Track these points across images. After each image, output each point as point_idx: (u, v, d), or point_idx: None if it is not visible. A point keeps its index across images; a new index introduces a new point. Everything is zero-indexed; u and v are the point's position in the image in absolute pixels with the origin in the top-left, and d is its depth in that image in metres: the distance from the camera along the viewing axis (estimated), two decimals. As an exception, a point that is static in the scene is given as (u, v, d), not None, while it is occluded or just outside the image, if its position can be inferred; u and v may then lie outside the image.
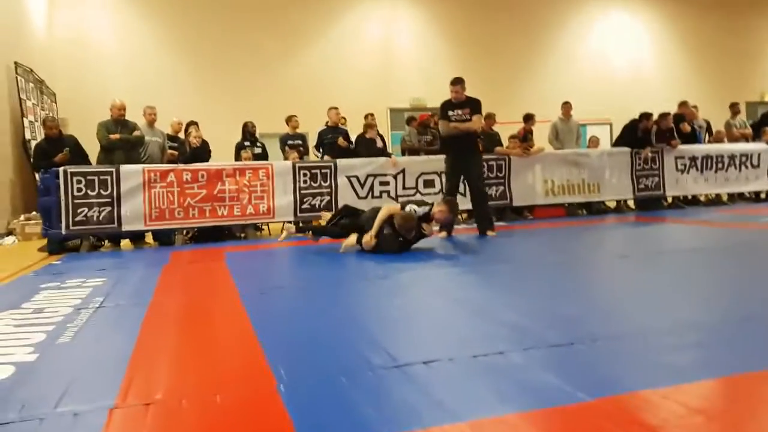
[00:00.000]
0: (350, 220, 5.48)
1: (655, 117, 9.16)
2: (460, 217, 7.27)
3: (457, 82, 6.45)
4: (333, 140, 8.35)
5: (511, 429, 1.60)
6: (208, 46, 12.85)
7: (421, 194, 7.79)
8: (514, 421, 1.64)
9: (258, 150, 8.49)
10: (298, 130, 8.95)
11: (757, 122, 11.07)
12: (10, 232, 8.37)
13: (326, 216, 6.12)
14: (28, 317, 3.20)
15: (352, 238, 5.33)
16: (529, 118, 9.40)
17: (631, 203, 9.55)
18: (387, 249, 5.13)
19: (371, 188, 7.75)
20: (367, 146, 8.28)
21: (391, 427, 1.62)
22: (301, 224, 5.48)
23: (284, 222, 8.08)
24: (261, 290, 3.82)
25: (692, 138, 9.81)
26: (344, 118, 9.17)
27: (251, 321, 2.94)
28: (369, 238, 5.13)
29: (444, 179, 7.95)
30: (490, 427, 1.61)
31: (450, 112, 6.48)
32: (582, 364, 2.13)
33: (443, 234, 6.41)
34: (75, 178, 6.48)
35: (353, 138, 8.59)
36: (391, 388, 1.94)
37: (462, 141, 6.48)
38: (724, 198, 10.24)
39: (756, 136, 10.53)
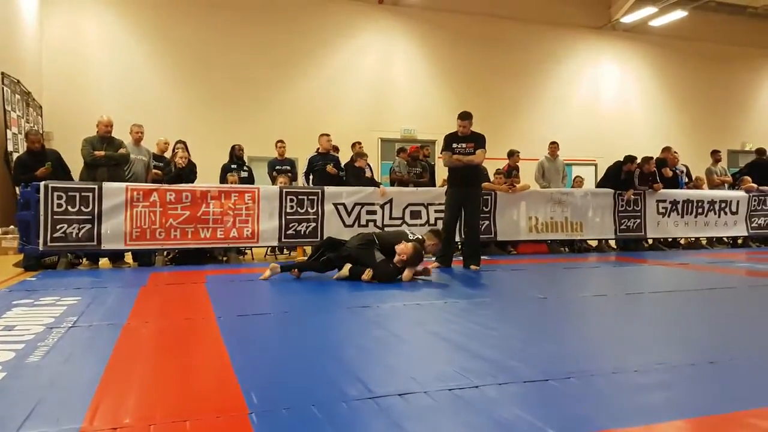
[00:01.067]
0: (334, 254, 5.45)
1: (639, 160, 9.35)
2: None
3: (466, 116, 6.58)
4: (323, 167, 8.38)
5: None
6: (200, 67, 12.95)
7: (408, 225, 7.82)
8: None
9: (244, 174, 8.50)
10: (288, 156, 8.98)
11: (739, 171, 11.32)
12: (-14, 246, 8.21)
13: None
14: (-3, 334, 3.13)
15: (345, 269, 5.35)
16: (512, 154, 9.59)
17: (612, 243, 9.67)
18: (386, 276, 5.21)
19: (358, 217, 7.76)
20: (356, 175, 8.32)
21: (362, 461, 1.60)
22: (281, 264, 5.48)
23: (267, 254, 8.09)
24: (239, 315, 3.77)
25: (674, 183, 10.00)
26: (336, 147, 9.22)
27: (226, 346, 2.91)
28: (368, 275, 5.21)
29: (429, 211, 8.07)
30: (461, 464, 1.60)
31: (454, 145, 6.60)
32: (555, 400, 2.13)
33: (436, 265, 6.51)
34: (56, 194, 6.41)
35: (343, 166, 8.64)
36: (364, 421, 1.92)
37: (464, 174, 6.59)
38: (704, 242, 10.41)
39: (735, 184, 10.78)
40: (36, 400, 2.07)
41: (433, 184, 9.51)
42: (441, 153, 6.80)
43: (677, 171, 10.33)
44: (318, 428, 1.84)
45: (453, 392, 2.18)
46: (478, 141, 6.58)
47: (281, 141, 8.91)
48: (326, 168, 8.30)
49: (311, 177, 8.52)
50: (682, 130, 16.99)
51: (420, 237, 5.61)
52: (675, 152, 10.58)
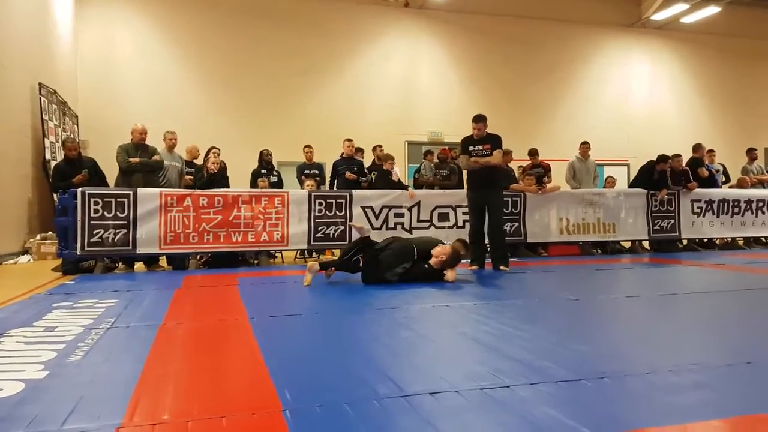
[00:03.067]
0: (368, 254, 5.46)
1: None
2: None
3: (479, 119, 6.60)
4: (345, 171, 8.46)
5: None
6: (230, 74, 13.18)
7: (436, 227, 7.83)
8: (517, 455, 1.63)
9: (274, 179, 8.61)
10: (316, 160, 9.07)
11: None
12: (26, 251, 8.49)
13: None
14: (39, 335, 3.24)
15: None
16: (533, 153, 9.48)
17: (646, 244, 9.49)
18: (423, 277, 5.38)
19: (386, 219, 7.78)
20: (383, 177, 8.35)
21: (394, 457, 1.61)
22: (320, 257, 5.47)
23: (296, 257, 8.15)
24: (271, 316, 3.83)
25: (710, 183, 9.78)
26: (362, 150, 9.27)
27: (259, 346, 2.96)
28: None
29: (457, 213, 8.05)
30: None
31: (471, 148, 6.61)
32: (588, 400, 2.11)
33: (475, 267, 6.58)
34: (92, 200, 6.59)
35: (368, 168, 8.69)
36: (396, 418, 1.93)
37: (482, 176, 6.59)
38: (740, 242, 10.13)
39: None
40: (78, 398, 2.14)
41: (462, 186, 9.46)
42: (459, 157, 6.80)
43: (713, 170, 10.09)
44: (351, 425, 1.87)
45: (484, 392, 2.18)
46: (494, 142, 6.57)
47: (309, 146, 9.01)
48: (345, 174, 8.37)
49: (335, 181, 8.61)
50: (716, 128, 16.58)
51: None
52: (711, 150, 10.35)
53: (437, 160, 9.39)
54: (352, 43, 14.10)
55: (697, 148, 10.08)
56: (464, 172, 7.61)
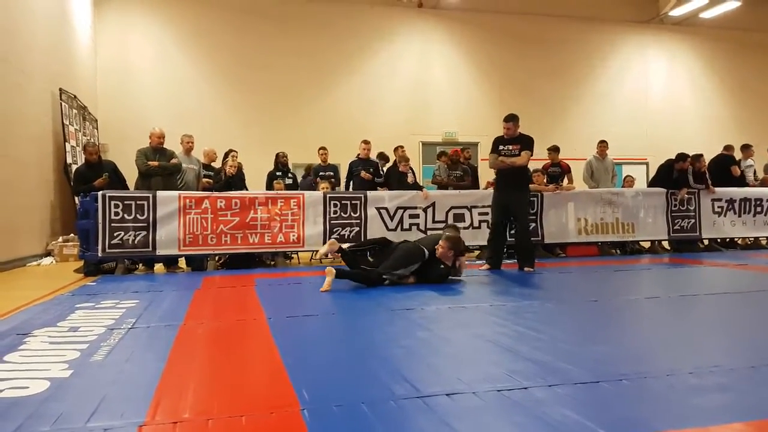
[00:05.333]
0: (378, 258, 5.46)
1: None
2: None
3: (510, 119, 6.55)
4: (361, 171, 8.48)
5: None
6: (245, 78, 13.29)
7: (451, 228, 7.81)
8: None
9: (289, 181, 8.66)
10: (331, 162, 9.11)
11: None
12: (48, 253, 8.64)
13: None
14: (63, 335, 3.31)
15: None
16: (555, 150, 9.36)
17: (666, 244, 9.37)
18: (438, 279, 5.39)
19: (401, 220, 7.79)
20: (399, 179, 8.36)
21: (412, 457, 1.62)
22: (336, 268, 5.35)
23: (312, 258, 8.16)
24: (288, 317, 3.86)
25: (742, 181, 9.62)
26: (384, 154, 9.29)
27: (277, 346, 2.99)
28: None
29: (472, 214, 8.03)
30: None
31: (501, 147, 6.58)
32: (606, 402, 2.11)
33: (486, 267, 6.60)
34: (113, 202, 6.68)
35: (385, 170, 8.70)
36: (413, 419, 1.95)
37: (509, 177, 6.58)
38: (763, 242, 9.96)
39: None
40: (101, 396, 2.19)
41: (477, 187, 9.44)
42: (489, 155, 6.77)
43: (745, 167, 9.90)
44: (368, 425, 1.88)
45: (501, 393, 2.18)
46: (524, 143, 6.52)
47: (323, 148, 9.04)
48: (360, 174, 8.39)
49: (351, 182, 8.64)
50: (737, 125, 16.29)
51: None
52: (748, 146, 10.14)
53: (450, 161, 9.37)
54: (365, 43, 14.13)
55: (728, 147, 9.92)
56: (482, 172, 7.57)
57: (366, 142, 8.81)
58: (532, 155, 6.60)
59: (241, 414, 1.98)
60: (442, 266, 5.42)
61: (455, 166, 9.23)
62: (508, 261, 7.06)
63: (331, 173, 8.84)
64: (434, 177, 9.43)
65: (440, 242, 5.44)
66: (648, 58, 16.29)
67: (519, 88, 14.79)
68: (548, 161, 9.33)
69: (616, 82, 15.94)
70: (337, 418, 1.94)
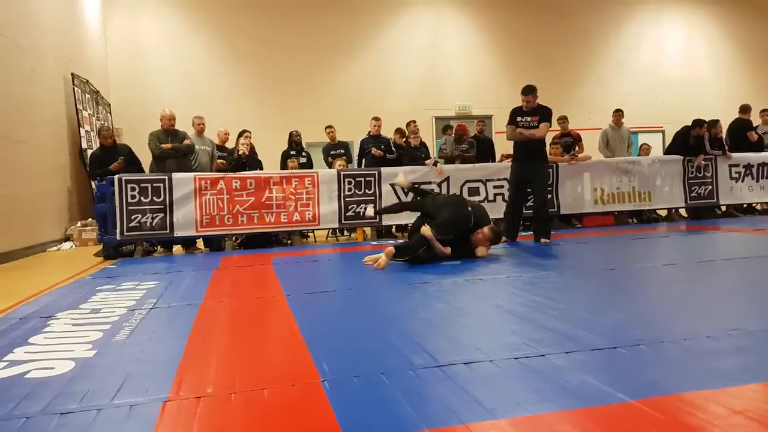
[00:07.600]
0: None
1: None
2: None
3: (528, 91, 6.44)
4: (372, 147, 8.44)
5: (548, 427, 1.61)
6: (255, 57, 13.21)
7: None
8: (551, 419, 1.65)
9: (303, 159, 8.66)
10: (342, 139, 9.07)
11: None
12: (67, 238, 8.78)
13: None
14: (86, 317, 3.37)
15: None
16: (563, 119, 9.27)
17: (683, 212, 9.28)
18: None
19: (415, 196, 7.76)
20: (410, 154, 8.33)
21: (431, 423, 1.65)
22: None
23: (328, 236, 8.16)
24: (306, 293, 3.90)
25: (759, 146, 9.44)
26: (401, 129, 9.24)
27: (296, 321, 3.03)
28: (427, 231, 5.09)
29: (487, 187, 7.99)
30: (527, 425, 1.63)
31: (519, 118, 6.49)
32: (624, 367, 2.11)
33: (505, 239, 6.49)
34: (129, 186, 6.76)
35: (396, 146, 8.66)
36: (431, 386, 1.97)
37: (527, 148, 6.51)
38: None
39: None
40: (125, 374, 2.24)
41: (492, 160, 9.38)
42: (506, 126, 6.68)
43: (763, 132, 9.69)
44: (388, 393, 1.91)
45: (519, 361, 2.20)
46: (543, 114, 6.43)
47: (330, 126, 8.95)
48: (371, 151, 8.35)
49: (363, 160, 8.60)
50: (757, 91, 15.88)
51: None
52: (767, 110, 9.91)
53: (455, 135, 9.34)
54: (375, 16, 13.92)
55: (745, 109, 9.69)
56: (498, 144, 7.47)
57: (376, 118, 8.73)
58: (551, 127, 6.52)
59: (263, 387, 2.02)
60: (468, 249, 5.26)
61: (461, 139, 9.21)
62: (524, 233, 7.04)
63: (342, 150, 8.81)
64: (440, 151, 9.41)
65: (485, 229, 5.28)
66: (664, 23, 15.88)
67: (533, 56, 14.50)
68: (558, 131, 9.24)
69: (632, 49, 15.57)
70: (357, 388, 1.98)
